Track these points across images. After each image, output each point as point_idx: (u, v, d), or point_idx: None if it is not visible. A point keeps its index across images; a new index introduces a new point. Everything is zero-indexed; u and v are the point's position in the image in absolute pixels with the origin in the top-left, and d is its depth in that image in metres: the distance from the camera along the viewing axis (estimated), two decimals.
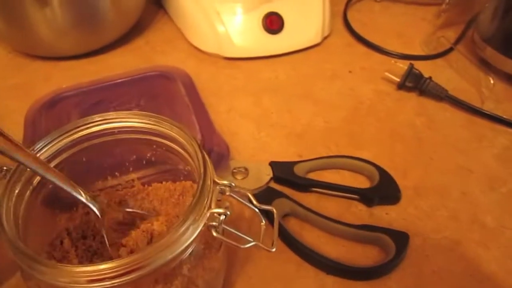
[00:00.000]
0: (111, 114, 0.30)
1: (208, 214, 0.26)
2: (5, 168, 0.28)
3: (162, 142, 0.31)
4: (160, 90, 0.47)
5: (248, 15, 0.52)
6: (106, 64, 0.53)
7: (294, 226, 0.37)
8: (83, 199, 0.28)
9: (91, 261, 0.31)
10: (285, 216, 0.38)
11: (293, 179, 0.40)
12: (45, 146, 0.29)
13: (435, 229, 0.37)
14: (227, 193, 0.28)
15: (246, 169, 0.41)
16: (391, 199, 0.39)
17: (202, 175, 0.26)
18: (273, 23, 0.52)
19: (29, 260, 0.24)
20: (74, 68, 0.53)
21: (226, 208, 0.27)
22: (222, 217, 0.26)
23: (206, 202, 0.26)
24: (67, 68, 0.53)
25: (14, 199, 0.27)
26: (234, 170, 0.41)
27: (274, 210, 0.30)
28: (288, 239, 0.35)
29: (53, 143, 0.29)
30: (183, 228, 0.24)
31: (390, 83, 0.51)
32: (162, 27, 0.60)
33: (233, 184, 0.28)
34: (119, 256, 0.29)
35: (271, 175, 0.40)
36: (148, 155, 0.34)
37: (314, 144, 0.44)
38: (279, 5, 0.52)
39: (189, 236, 0.25)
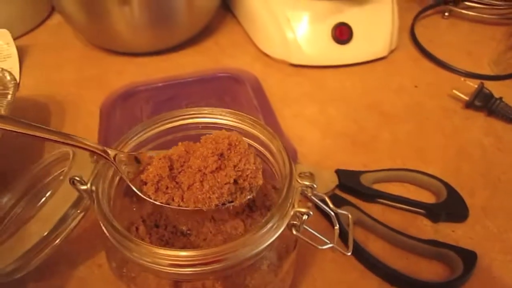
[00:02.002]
0: (202, 110, 0.31)
1: (292, 213, 0.27)
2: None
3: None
4: (229, 92, 0.48)
5: (318, 24, 0.53)
6: (177, 63, 0.55)
7: (359, 235, 0.37)
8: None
9: None
10: None
11: (359, 188, 0.40)
12: (138, 133, 0.30)
13: (504, 251, 0.36)
14: (309, 194, 0.29)
15: (311, 174, 0.41)
16: (458, 216, 0.39)
17: (289, 174, 0.27)
18: (343, 33, 0.53)
19: (121, 236, 0.25)
20: (146, 64, 0.55)
21: (308, 208, 0.27)
22: (305, 216, 0.27)
23: (291, 200, 0.27)
24: (140, 64, 0.55)
25: (107, 182, 0.28)
26: (300, 175, 0.41)
27: (350, 215, 0.31)
28: (354, 247, 0.36)
29: (144, 132, 0.30)
30: (269, 225, 0.25)
31: (457, 101, 0.50)
32: (230, 30, 0.61)
33: (315, 186, 0.28)
34: (201, 245, 0.30)
35: (337, 182, 0.40)
36: None
37: (379, 155, 0.44)
38: (349, 16, 0.53)
39: (273, 233, 0.26)
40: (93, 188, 0.28)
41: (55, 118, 0.48)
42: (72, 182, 0.28)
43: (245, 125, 0.31)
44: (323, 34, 0.53)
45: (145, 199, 0.36)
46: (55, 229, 0.29)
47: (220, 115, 0.31)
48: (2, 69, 0.42)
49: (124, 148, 0.29)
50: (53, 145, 0.42)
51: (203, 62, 0.55)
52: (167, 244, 0.34)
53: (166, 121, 0.31)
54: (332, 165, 0.42)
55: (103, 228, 0.26)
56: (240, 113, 0.31)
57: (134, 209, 0.36)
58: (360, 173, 0.41)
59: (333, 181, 0.41)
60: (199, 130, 0.32)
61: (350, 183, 0.40)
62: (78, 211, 0.30)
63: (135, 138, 0.30)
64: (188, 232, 0.34)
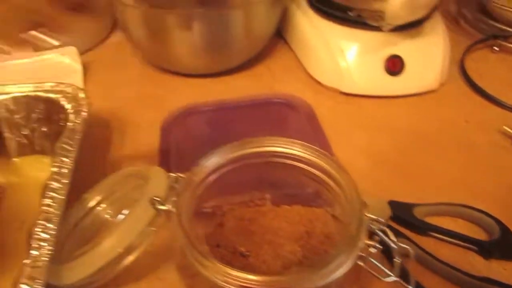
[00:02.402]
0: (273, 139, 0.32)
1: (361, 246, 0.28)
2: (180, 175, 0.32)
3: (311, 171, 0.33)
4: (284, 118, 0.50)
5: (371, 55, 0.54)
6: (230, 86, 0.57)
7: (412, 268, 0.38)
8: None
9: None
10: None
11: (413, 221, 0.41)
12: (214, 157, 0.32)
13: None
14: (374, 228, 0.30)
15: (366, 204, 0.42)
16: (510, 255, 0.39)
17: (360, 207, 0.28)
18: (395, 65, 0.54)
19: (198, 253, 0.26)
20: (201, 85, 0.57)
21: (376, 241, 0.28)
22: (373, 249, 0.28)
23: (362, 234, 0.28)
24: (195, 85, 0.57)
25: (186, 200, 0.30)
26: None
27: (411, 250, 0.32)
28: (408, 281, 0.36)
29: (220, 156, 0.32)
30: (340, 258, 0.26)
31: (508, 138, 0.51)
32: (282, 56, 0.63)
33: (383, 220, 0.29)
34: (264, 271, 0.32)
35: (390, 213, 0.41)
36: (285, 178, 0.37)
37: (430, 188, 0.45)
38: (401, 48, 0.54)
39: (343, 264, 0.27)
40: (173, 209, 0.29)
41: (116, 134, 0.50)
42: (152, 202, 0.30)
43: (313, 157, 0.32)
44: (375, 65, 0.54)
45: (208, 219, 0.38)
46: (130, 246, 0.31)
47: (291, 145, 0.32)
48: (76, 87, 0.44)
49: (200, 173, 0.31)
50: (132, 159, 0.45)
51: (255, 86, 0.57)
52: (228, 264, 0.35)
53: (239, 148, 0.32)
54: (383, 195, 0.43)
55: (183, 246, 0.27)
56: (309, 144, 0.32)
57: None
58: (413, 205, 0.42)
59: (386, 212, 0.42)
60: (269, 158, 0.33)
61: (404, 215, 0.41)
62: (153, 229, 0.32)
63: (209, 163, 0.32)
64: (247, 253, 0.36)
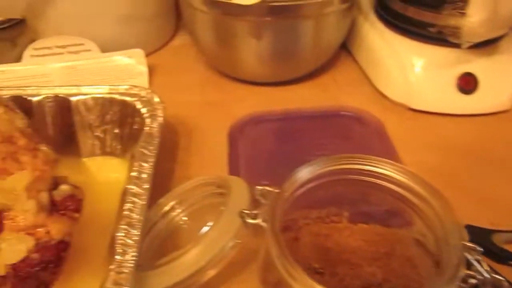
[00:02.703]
0: (371, 158, 0.31)
1: (461, 276, 0.26)
2: (267, 188, 0.31)
3: (403, 194, 0.32)
4: (354, 132, 0.49)
5: (443, 72, 0.53)
6: (295, 95, 0.57)
7: None
8: None
9: None
10: None
11: (492, 248, 0.39)
12: (305, 170, 0.31)
13: None
14: (472, 258, 0.28)
15: None
16: None
17: (460, 234, 0.27)
18: (468, 83, 0.52)
19: (294, 269, 0.26)
20: (266, 94, 0.57)
21: (476, 272, 0.27)
22: (473, 280, 0.27)
23: (462, 263, 0.27)
24: (260, 93, 0.57)
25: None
26: None
27: (505, 282, 0.30)
28: None
29: (311, 170, 0.31)
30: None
31: None
32: (346, 67, 0.62)
33: (480, 249, 0.28)
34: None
35: (467, 239, 0.40)
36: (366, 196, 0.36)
37: (507, 214, 0.43)
38: (475, 66, 0.52)
39: None
40: (263, 223, 0.29)
41: (183, 139, 0.50)
42: (241, 215, 0.30)
43: (407, 179, 0.31)
44: (447, 82, 0.53)
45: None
46: (212, 259, 0.31)
47: (384, 165, 0.32)
48: (151, 90, 0.44)
49: (291, 187, 0.30)
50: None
51: (321, 97, 0.57)
52: None
53: (331, 164, 0.32)
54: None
55: (278, 261, 0.27)
56: (405, 167, 0.31)
57: None
58: (492, 231, 0.40)
59: (463, 237, 0.40)
60: (359, 176, 0.32)
61: (482, 242, 0.39)
62: (237, 241, 0.31)
63: (300, 177, 0.31)
64: (321, 270, 0.35)
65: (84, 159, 0.47)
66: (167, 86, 0.58)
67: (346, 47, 0.64)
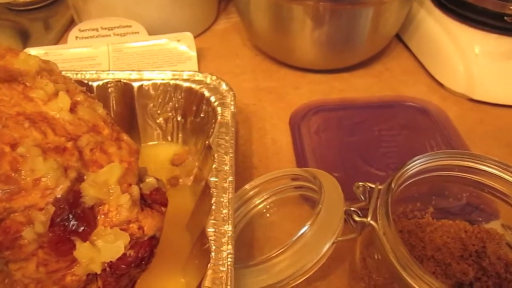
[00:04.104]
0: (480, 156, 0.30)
1: None
2: (369, 184, 0.30)
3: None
4: (419, 123, 0.48)
5: (507, 62, 0.51)
6: (350, 84, 0.55)
7: None
8: None
9: None
10: None
11: None
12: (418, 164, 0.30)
13: None
14: None
15: None
16: None
17: None
18: None
19: (415, 264, 0.25)
20: (321, 82, 0.55)
21: None
22: None
23: None
24: (314, 81, 0.55)
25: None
26: None
27: None
28: None
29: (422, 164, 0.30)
30: None
31: None
32: (399, 56, 0.60)
33: None
34: None
35: None
36: (461, 194, 0.35)
37: None
38: None
39: None
40: (371, 221, 0.28)
41: (242, 127, 0.48)
42: (349, 213, 0.28)
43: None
44: (510, 72, 0.51)
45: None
46: (312, 259, 0.29)
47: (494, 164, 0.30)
48: (217, 77, 0.43)
49: (397, 182, 0.29)
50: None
51: (376, 86, 0.55)
52: None
53: (444, 158, 0.30)
54: None
55: (392, 258, 0.26)
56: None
57: None
58: None
59: None
60: (465, 174, 0.31)
61: None
62: (338, 240, 0.30)
63: (410, 169, 0.30)
64: None
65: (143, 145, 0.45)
66: (218, 71, 0.56)
67: (397, 35, 0.62)
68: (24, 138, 0.26)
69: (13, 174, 0.25)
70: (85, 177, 0.28)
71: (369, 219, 0.28)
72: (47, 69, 0.33)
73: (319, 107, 0.49)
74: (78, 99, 0.32)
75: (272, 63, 0.58)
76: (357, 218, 0.28)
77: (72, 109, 0.30)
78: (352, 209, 0.28)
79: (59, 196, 0.26)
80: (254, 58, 0.59)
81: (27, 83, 0.30)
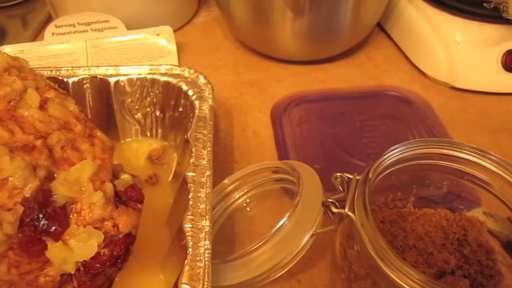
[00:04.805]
0: (459, 143, 0.30)
1: None
2: (347, 175, 0.29)
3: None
4: (401, 113, 0.47)
5: (487, 49, 0.51)
6: (332, 75, 0.55)
7: None
8: None
9: None
10: None
11: None
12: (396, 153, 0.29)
13: None
14: None
15: None
16: None
17: None
18: None
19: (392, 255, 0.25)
20: (303, 73, 0.55)
21: None
22: None
23: None
24: (296, 72, 0.55)
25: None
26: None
27: None
28: None
29: (397, 156, 0.29)
30: None
31: None
32: (380, 45, 0.60)
33: None
34: None
35: None
36: (442, 182, 0.34)
37: None
38: None
39: None
40: (349, 212, 0.27)
41: (223, 120, 0.48)
42: (326, 205, 0.28)
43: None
44: (491, 59, 0.51)
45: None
46: (292, 252, 0.29)
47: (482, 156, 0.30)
48: (195, 71, 0.42)
49: (375, 172, 0.29)
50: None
51: (358, 76, 0.54)
52: None
53: (423, 147, 0.30)
54: None
55: (371, 249, 0.25)
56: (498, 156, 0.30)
57: None
58: None
59: None
60: (444, 162, 0.31)
61: None
62: (317, 231, 0.30)
63: (388, 159, 0.29)
64: None
65: (122, 142, 0.44)
66: (197, 65, 0.55)
67: (379, 24, 0.62)
68: None
69: None
70: (55, 176, 0.27)
71: (346, 210, 0.27)
72: (16, 66, 0.32)
73: (301, 98, 0.49)
74: (49, 96, 0.31)
75: (254, 56, 0.57)
76: (335, 210, 0.28)
77: (42, 106, 0.30)
78: (330, 200, 0.28)
79: (28, 195, 0.25)
80: (236, 51, 0.58)
81: None
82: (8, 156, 0.25)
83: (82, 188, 0.28)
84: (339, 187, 0.30)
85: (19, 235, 0.26)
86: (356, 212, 0.27)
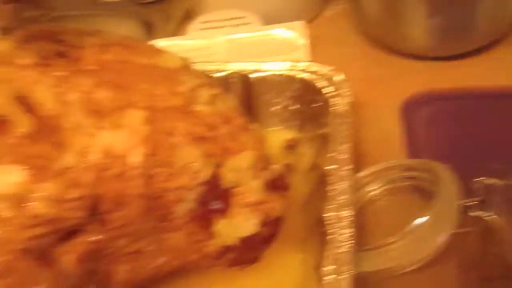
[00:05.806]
0: None
1: None
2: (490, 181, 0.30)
3: None
4: None
5: None
6: (469, 71, 0.52)
7: None
8: None
9: None
10: None
11: None
12: None
13: None
14: None
15: None
16: None
17: None
18: None
19: None
20: (435, 69, 0.54)
21: None
22: None
23: None
24: (427, 69, 0.54)
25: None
26: None
27: None
28: None
29: None
30: None
31: None
32: None
33: None
34: None
35: None
36: None
37: None
38: None
39: None
40: (494, 216, 0.28)
41: (351, 115, 0.50)
42: (465, 207, 0.29)
43: None
44: None
45: None
46: (425, 251, 0.31)
47: None
48: (333, 68, 0.44)
49: None
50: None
51: (499, 74, 0.52)
52: None
53: None
54: None
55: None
56: None
57: None
58: None
59: None
60: None
61: None
62: (451, 234, 0.31)
63: None
64: None
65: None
66: (328, 60, 0.57)
67: None
68: (176, 129, 0.31)
69: (169, 160, 0.30)
70: (223, 163, 0.32)
71: (488, 214, 0.28)
72: (185, 65, 0.38)
73: (433, 96, 0.49)
74: (214, 92, 0.36)
75: (382, 51, 0.58)
76: (473, 213, 0.29)
77: (210, 102, 0.34)
78: (470, 203, 0.29)
79: (203, 179, 0.31)
80: (363, 45, 0.60)
81: (173, 80, 0.35)
82: (191, 145, 0.30)
83: (244, 175, 0.32)
84: (478, 190, 0.31)
85: (195, 210, 0.31)
86: (499, 216, 0.28)
